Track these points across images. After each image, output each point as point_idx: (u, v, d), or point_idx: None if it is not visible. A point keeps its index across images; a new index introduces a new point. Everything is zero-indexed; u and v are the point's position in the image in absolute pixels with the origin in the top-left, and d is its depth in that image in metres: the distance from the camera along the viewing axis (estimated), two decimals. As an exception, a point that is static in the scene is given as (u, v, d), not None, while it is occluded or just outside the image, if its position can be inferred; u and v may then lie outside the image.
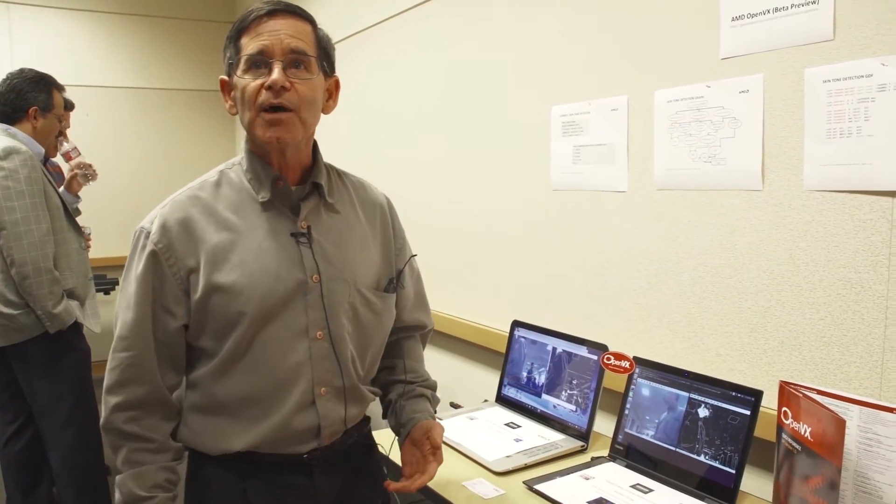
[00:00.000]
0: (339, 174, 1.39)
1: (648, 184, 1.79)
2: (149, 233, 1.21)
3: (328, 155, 1.37)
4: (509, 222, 2.30)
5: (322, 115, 1.30)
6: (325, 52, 1.27)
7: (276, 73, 1.16)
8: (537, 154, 2.16)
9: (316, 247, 1.26)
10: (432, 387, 1.48)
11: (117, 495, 1.21)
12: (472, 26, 2.45)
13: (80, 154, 3.19)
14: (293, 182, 1.28)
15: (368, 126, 3.22)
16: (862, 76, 1.33)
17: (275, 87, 1.16)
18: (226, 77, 1.27)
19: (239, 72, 1.20)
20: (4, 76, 2.68)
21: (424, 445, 1.33)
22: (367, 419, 1.42)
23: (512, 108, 2.28)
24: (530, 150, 2.19)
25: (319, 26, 1.28)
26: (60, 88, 2.79)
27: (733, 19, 1.56)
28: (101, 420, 1.23)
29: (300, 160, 1.29)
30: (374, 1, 3.10)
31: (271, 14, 1.20)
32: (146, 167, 5.09)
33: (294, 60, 1.19)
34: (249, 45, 1.19)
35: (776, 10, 1.47)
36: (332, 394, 1.28)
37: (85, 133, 4.02)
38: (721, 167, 1.61)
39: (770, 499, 1.37)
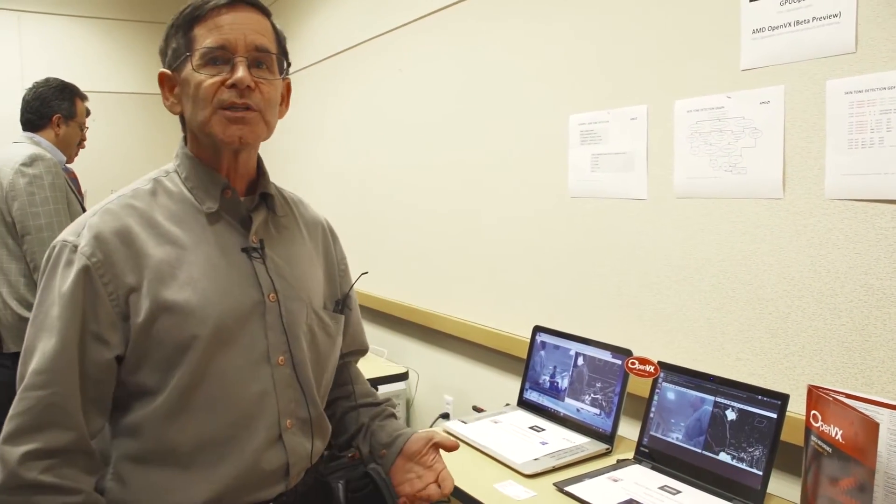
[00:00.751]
0: (278, 189, 1.29)
1: (668, 192, 1.83)
2: (75, 246, 1.03)
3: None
4: (527, 228, 2.34)
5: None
6: (283, 51, 1.18)
7: (242, 72, 1.07)
8: (555, 161, 2.19)
9: (270, 263, 1.15)
10: (394, 407, 1.42)
11: None
12: (490, 35, 2.49)
13: None
14: (240, 192, 1.17)
15: (384, 132, 3.26)
16: (884, 88, 1.36)
17: (240, 87, 1.07)
18: (167, 71, 1.15)
19: (193, 65, 1.09)
20: (31, 85, 2.76)
21: (428, 455, 1.26)
22: (323, 456, 1.31)
23: (529, 116, 2.31)
24: (548, 158, 2.23)
25: (273, 20, 1.19)
26: (83, 97, 2.86)
27: (754, 31, 1.60)
28: (2, 478, 0.97)
29: (248, 169, 1.19)
30: (391, 6, 3.13)
31: (231, 5, 1.10)
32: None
33: (257, 59, 1.11)
34: (207, 38, 1.08)
35: (797, 22, 1.51)
36: (298, 426, 1.16)
37: (93, 138, 4.04)
38: (742, 176, 1.64)
39: (797, 501, 1.41)
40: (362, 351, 1.46)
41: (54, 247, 1.06)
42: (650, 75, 1.87)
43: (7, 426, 1.00)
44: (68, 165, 3.23)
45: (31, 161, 2.50)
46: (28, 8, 4.77)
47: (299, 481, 1.18)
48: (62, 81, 2.81)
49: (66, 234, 1.07)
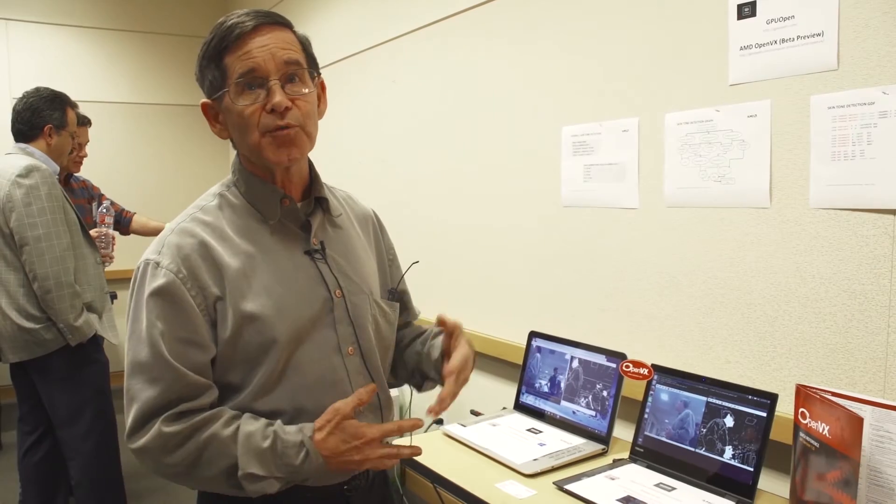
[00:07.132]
0: (329, 189, 1.34)
1: (659, 201, 1.90)
2: (157, 263, 1.11)
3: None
4: (521, 236, 2.40)
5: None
6: (312, 58, 1.22)
7: (278, 95, 1.11)
8: (548, 171, 2.26)
9: (331, 262, 1.23)
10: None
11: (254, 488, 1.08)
12: (485, 47, 2.55)
13: (111, 223, 3.34)
14: (297, 199, 1.24)
15: (381, 142, 3.31)
16: (864, 104, 1.44)
17: (278, 110, 1.11)
18: (208, 100, 1.19)
19: (231, 95, 1.13)
20: (21, 95, 2.77)
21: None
22: None
23: (523, 126, 2.38)
24: (541, 168, 2.29)
25: (295, 29, 1.21)
26: (74, 106, 2.88)
27: (741, 48, 1.68)
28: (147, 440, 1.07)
29: (302, 176, 1.25)
30: (388, 17, 3.19)
31: (256, 28, 1.12)
32: (142, 181, 5.17)
33: (289, 74, 1.14)
34: (238, 65, 1.11)
35: (783, 40, 1.59)
36: (370, 410, 1.24)
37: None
38: (730, 186, 1.72)
39: (785, 496, 1.47)
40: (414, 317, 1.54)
41: (139, 266, 1.14)
42: (641, 89, 1.94)
43: (133, 419, 1.09)
44: (77, 175, 3.29)
45: (28, 172, 2.51)
46: (16, 16, 4.76)
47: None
48: (53, 91, 2.81)
49: (149, 253, 1.14)
